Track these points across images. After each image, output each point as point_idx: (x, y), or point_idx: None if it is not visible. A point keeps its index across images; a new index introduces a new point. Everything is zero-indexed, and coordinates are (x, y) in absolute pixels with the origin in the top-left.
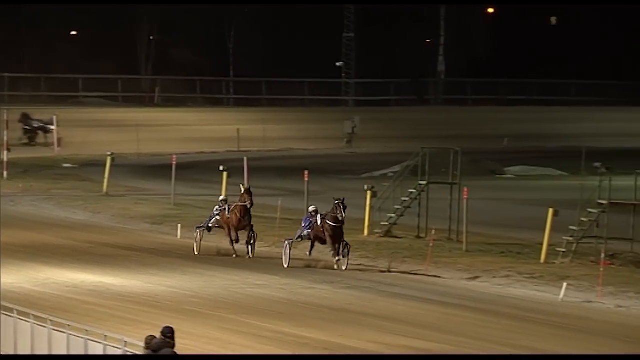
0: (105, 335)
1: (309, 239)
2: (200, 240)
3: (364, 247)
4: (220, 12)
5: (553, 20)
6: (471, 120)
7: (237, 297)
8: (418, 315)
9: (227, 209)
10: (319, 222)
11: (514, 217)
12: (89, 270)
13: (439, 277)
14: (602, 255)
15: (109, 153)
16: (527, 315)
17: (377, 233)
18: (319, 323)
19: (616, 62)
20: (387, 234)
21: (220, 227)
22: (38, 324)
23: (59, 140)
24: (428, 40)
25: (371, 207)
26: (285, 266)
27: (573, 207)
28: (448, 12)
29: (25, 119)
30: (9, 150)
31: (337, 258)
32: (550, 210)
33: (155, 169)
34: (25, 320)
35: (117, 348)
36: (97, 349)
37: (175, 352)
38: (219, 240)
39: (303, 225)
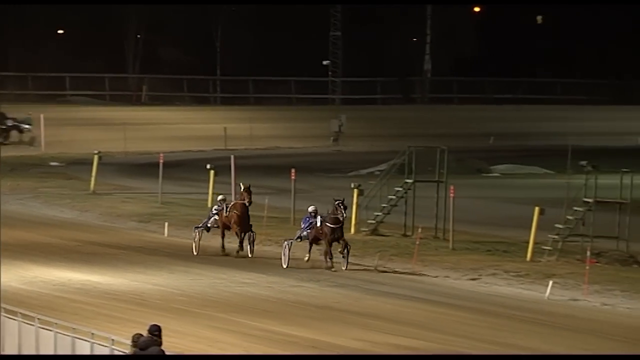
0: (93, 334)
1: (309, 239)
2: (199, 241)
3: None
4: (207, 10)
5: (539, 19)
6: (457, 118)
7: (225, 295)
8: (404, 313)
9: (225, 208)
10: (318, 223)
11: (500, 215)
12: (77, 268)
13: (426, 275)
14: (588, 253)
15: (96, 151)
16: (513, 313)
17: (364, 231)
18: (306, 321)
19: (602, 61)
20: (374, 232)
21: (220, 226)
22: (25, 322)
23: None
24: (414, 39)
25: (358, 206)
26: (285, 267)
27: (559, 205)
28: (434, 11)
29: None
30: None
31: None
32: (536, 209)
33: (143, 168)
34: (13, 319)
35: (104, 346)
36: (84, 347)
37: (162, 350)
38: (217, 240)
39: (302, 225)
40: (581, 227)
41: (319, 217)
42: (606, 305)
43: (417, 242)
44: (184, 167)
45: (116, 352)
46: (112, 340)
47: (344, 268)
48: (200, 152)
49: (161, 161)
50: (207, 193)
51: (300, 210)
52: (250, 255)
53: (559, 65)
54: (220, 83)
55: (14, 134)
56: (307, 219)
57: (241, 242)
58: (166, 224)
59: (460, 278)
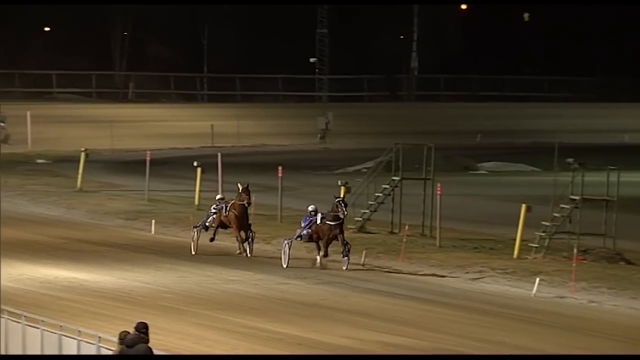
0: (79, 331)
1: (309, 238)
2: (198, 240)
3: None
4: (194, 8)
5: (526, 16)
6: (444, 116)
7: (211, 293)
8: (391, 310)
9: (224, 208)
10: (319, 221)
11: (487, 212)
12: (63, 265)
13: (412, 272)
14: (575, 250)
15: (82, 149)
16: (499, 311)
17: (351, 229)
18: (293, 318)
19: (588, 59)
20: (361, 229)
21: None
22: (12, 320)
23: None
24: (401, 37)
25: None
26: (285, 266)
27: (546, 202)
28: (421, 9)
29: None
30: None
31: (318, 257)
32: (523, 206)
33: (129, 165)
34: None
35: (91, 344)
36: (71, 345)
37: (149, 348)
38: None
39: (302, 224)
40: (568, 225)
41: (319, 215)
42: (593, 302)
43: (404, 240)
44: (171, 165)
45: (103, 350)
46: (99, 337)
47: (344, 268)
48: (187, 149)
49: (148, 158)
50: (194, 191)
51: (287, 208)
52: (249, 255)
53: (546, 63)
54: (207, 80)
55: None
56: (307, 218)
57: (243, 241)
58: (153, 221)
59: (447, 275)
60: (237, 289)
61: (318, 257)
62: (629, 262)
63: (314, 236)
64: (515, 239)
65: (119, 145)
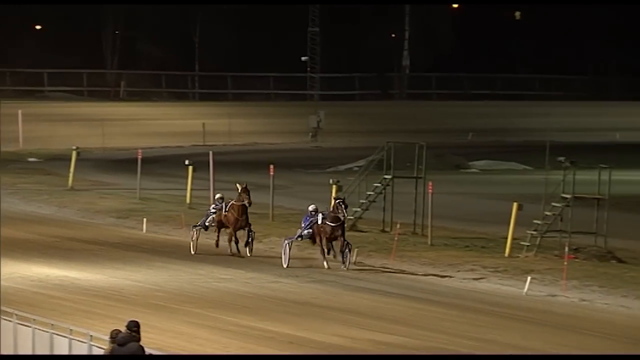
0: (71, 330)
1: (309, 238)
2: (197, 240)
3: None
4: (186, 7)
5: (517, 15)
6: (436, 114)
7: (203, 291)
8: (383, 309)
9: (223, 208)
10: (319, 222)
11: (479, 211)
12: (55, 264)
13: (404, 271)
14: (566, 249)
15: (74, 147)
16: (491, 309)
17: None
18: (284, 317)
19: (580, 57)
20: (352, 228)
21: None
22: (3, 318)
23: None
24: (393, 35)
25: None
26: (285, 266)
27: (537, 201)
28: (412, 8)
29: None
30: None
31: (325, 262)
32: (515, 204)
33: (121, 163)
34: None
35: (82, 342)
36: (62, 343)
37: (141, 346)
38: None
39: (303, 224)
40: (559, 223)
41: (319, 215)
42: (584, 300)
43: (396, 238)
44: (163, 163)
45: (94, 348)
46: (91, 336)
47: (344, 268)
48: (178, 147)
49: (139, 157)
50: (186, 189)
51: (278, 207)
52: (249, 255)
53: (537, 62)
54: (198, 79)
55: None
56: (308, 217)
57: (237, 242)
58: (144, 219)
59: (438, 274)
60: (228, 287)
61: (325, 263)
62: (620, 261)
63: (315, 237)
64: (506, 238)
65: (111, 144)
